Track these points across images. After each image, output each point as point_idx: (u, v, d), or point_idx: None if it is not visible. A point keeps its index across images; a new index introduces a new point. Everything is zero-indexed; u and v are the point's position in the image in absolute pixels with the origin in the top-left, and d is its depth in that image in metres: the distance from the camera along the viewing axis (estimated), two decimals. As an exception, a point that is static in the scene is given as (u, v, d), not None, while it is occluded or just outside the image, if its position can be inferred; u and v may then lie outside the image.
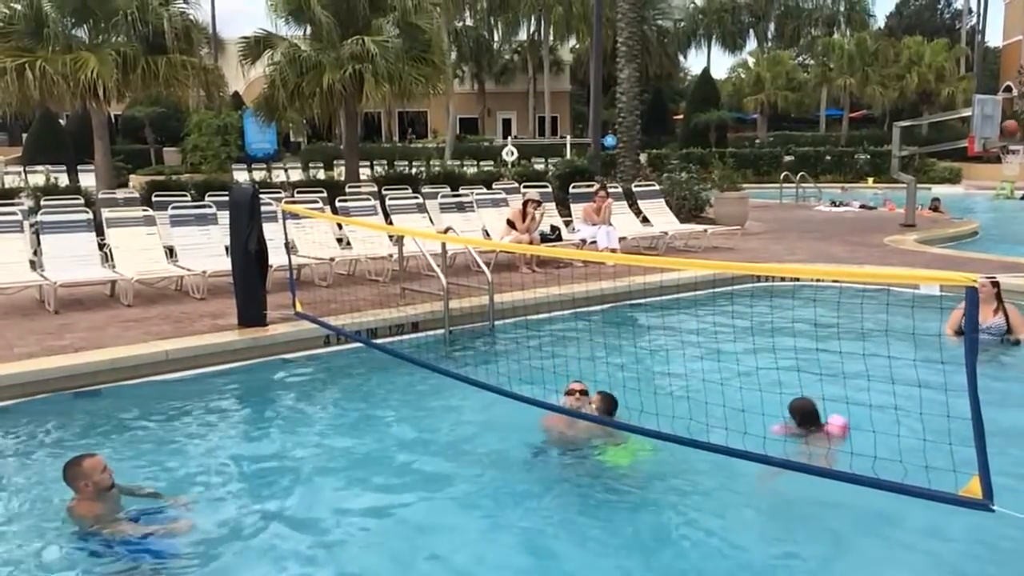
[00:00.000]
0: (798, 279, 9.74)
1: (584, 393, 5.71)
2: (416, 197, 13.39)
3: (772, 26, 54.45)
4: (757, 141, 42.72)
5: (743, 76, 48.33)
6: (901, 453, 3.84)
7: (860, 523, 4.43)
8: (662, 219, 14.44)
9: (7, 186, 17.69)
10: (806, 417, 5.33)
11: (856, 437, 4.00)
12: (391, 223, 12.26)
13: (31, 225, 10.57)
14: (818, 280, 9.22)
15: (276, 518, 4.68)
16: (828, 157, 32.86)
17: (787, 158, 31.75)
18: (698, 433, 4.17)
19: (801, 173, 26.02)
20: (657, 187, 15.63)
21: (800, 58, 53.78)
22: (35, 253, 10.25)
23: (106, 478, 4.41)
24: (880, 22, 56.53)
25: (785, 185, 24.93)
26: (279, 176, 24.26)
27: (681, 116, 46.48)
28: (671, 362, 5.83)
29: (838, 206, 21.72)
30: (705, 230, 14.14)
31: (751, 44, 54.16)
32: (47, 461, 5.39)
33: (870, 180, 29.77)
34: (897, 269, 11.08)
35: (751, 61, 49.54)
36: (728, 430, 4.14)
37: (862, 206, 21.70)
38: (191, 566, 4.16)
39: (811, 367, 5.08)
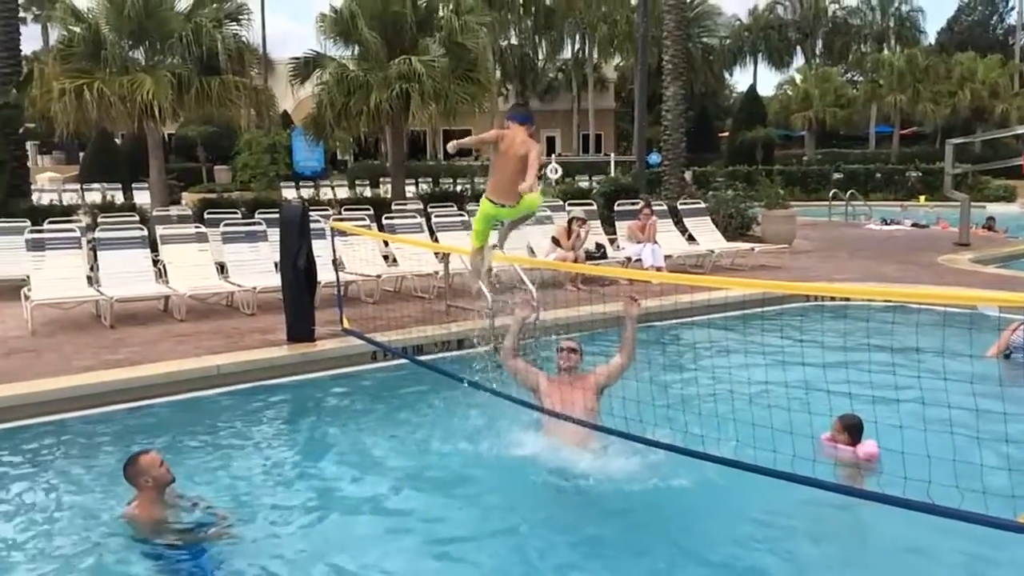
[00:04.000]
0: (849, 299, 9.59)
1: (573, 352, 5.74)
2: (461, 214, 13.47)
3: (820, 42, 53.98)
4: (805, 158, 42.24)
5: (790, 93, 47.87)
6: (956, 478, 3.75)
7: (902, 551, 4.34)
8: (708, 237, 14.34)
9: (65, 204, 18.17)
10: (854, 432, 5.25)
11: (908, 461, 3.93)
12: (437, 240, 12.35)
13: (88, 242, 10.87)
14: (869, 300, 9.06)
15: (320, 532, 4.73)
16: (878, 175, 32.37)
17: (836, 176, 31.33)
18: (745, 454, 4.12)
19: (851, 191, 25.66)
20: (703, 205, 15.54)
21: (849, 74, 53.21)
22: (92, 269, 10.53)
23: (165, 473, 4.50)
24: (931, 38, 55.72)
25: (834, 203, 24.59)
26: (326, 194, 24.67)
27: (727, 133, 46.22)
28: (718, 381, 5.76)
29: (889, 224, 21.36)
30: (752, 248, 14.01)
31: (798, 61, 53.75)
32: (102, 473, 5.51)
33: (922, 198, 29.23)
34: (952, 289, 10.83)
35: (798, 78, 49.05)
36: (776, 452, 4.08)
37: (914, 224, 21.31)
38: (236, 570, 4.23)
39: (863, 388, 5.00)
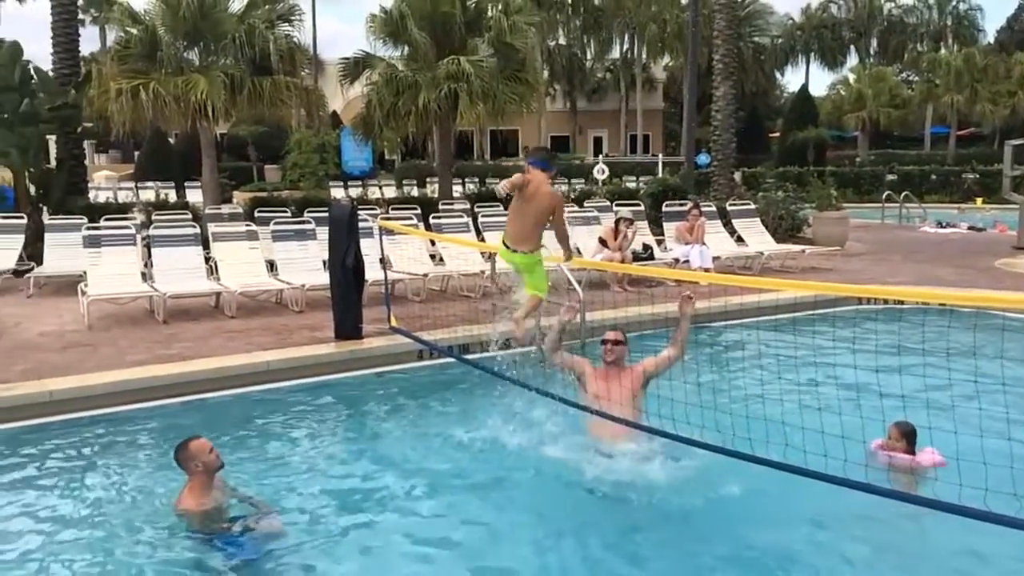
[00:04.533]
0: (902, 302, 9.39)
1: (618, 344, 5.67)
2: (508, 214, 13.46)
3: (874, 41, 52.98)
4: (857, 159, 41.47)
5: (843, 93, 47.06)
6: (1014, 485, 3.63)
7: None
8: (757, 239, 14.14)
9: (120, 201, 18.60)
10: (912, 439, 5.13)
11: (965, 468, 3.82)
12: (483, 240, 12.37)
13: (143, 239, 11.11)
14: (924, 303, 8.86)
15: (362, 529, 4.76)
16: (934, 176, 31.65)
17: (889, 177, 30.70)
18: (795, 458, 4.05)
19: (905, 193, 25.11)
20: (752, 206, 15.34)
21: (904, 74, 52.11)
22: (146, 265, 10.75)
23: (214, 459, 4.59)
24: (990, 37, 54.24)
25: (888, 205, 24.10)
26: (374, 193, 24.84)
27: (777, 134, 45.57)
28: (767, 384, 5.68)
29: (944, 227, 20.87)
30: (803, 250, 13.80)
31: (852, 60, 52.81)
32: (153, 464, 5.63)
33: (979, 201, 28.51)
34: (1010, 293, 10.55)
35: (852, 77, 48.18)
36: (828, 457, 4.01)
37: (971, 228, 20.78)
38: (282, 568, 4.29)
39: (917, 392, 4.89)
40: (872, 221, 22.64)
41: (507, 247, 5.41)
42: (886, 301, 9.79)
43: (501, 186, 5.37)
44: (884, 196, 24.91)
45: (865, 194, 30.16)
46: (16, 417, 6.35)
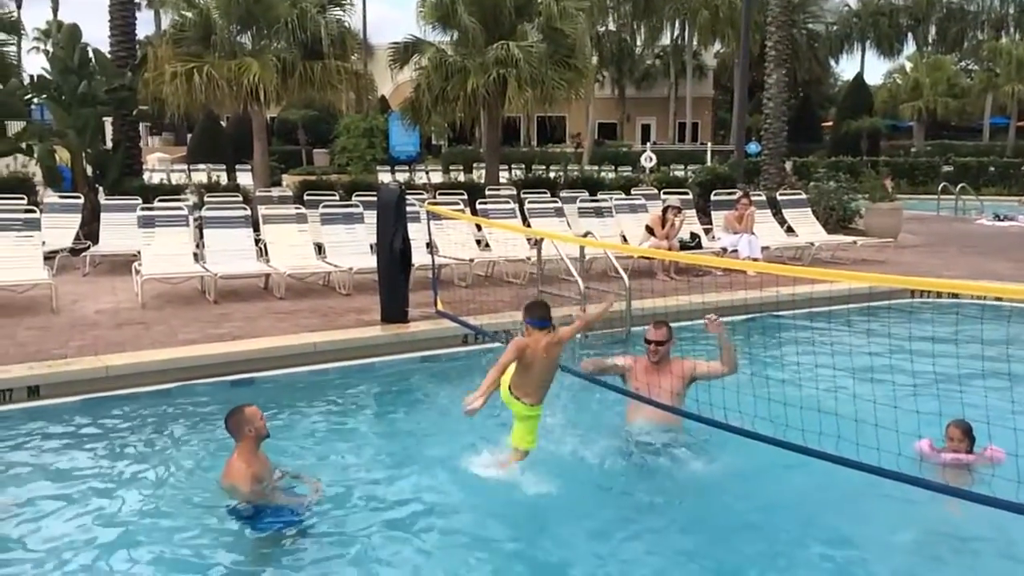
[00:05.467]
0: (957, 295, 9.17)
1: (661, 344, 5.63)
2: (554, 201, 13.45)
3: (933, 29, 51.60)
4: (913, 150, 40.54)
5: (899, 82, 45.96)
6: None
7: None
8: (807, 229, 13.92)
9: (174, 183, 18.92)
10: (971, 437, 5.00)
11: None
12: (529, 227, 12.36)
13: (195, 220, 11.29)
14: (980, 297, 8.65)
15: (405, 508, 4.81)
16: (992, 168, 30.79)
17: (946, 168, 29.97)
18: (848, 450, 3.98)
19: (961, 184, 24.50)
20: (803, 196, 15.09)
21: (963, 63, 50.70)
22: (198, 246, 10.93)
23: (263, 427, 4.70)
24: (1054, 24, 52.49)
25: (943, 197, 23.52)
26: (421, 178, 24.94)
27: (830, 123, 44.75)
28: (819, 377, 5.59)
29: (1002, 220, 20.31)
30: (854, 241, 13.56)
31: (909, 48, 51.51)
32: (203, 440, 5.75)
33: (1039, 193, 27.70)
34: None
35: (909, 66, 47.01)
36: (880, 450, 3.93)
37: (1030, 221, 20.23)
38: (323, 539, 4.40)
39: (975, 387, 4.77)
40: (927, 213, 22.14)
41: (510, 391, 4.99)
42: (939, 294, 9.57)
43: (476, 399, 4.64)
44: (940, 188, 24.32)
45: (920, 185, 29.49)
46: (74, 391, 6.52)
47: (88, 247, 11.85)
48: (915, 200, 23.78)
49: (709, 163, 24.73)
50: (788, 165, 22.87)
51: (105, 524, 4.59)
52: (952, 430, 4.99)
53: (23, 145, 14.07)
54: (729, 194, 13.96)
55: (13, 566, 4.19)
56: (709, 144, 35.24)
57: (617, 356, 6.01)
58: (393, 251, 8.34)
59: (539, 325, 4.87)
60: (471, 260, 10.87)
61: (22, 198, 12.51)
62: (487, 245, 11.97)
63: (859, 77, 45.47)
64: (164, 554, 4.31)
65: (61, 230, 12.23)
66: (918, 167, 32.08)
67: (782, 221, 14.13)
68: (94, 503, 4.85)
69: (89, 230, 12.59)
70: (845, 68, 68.75)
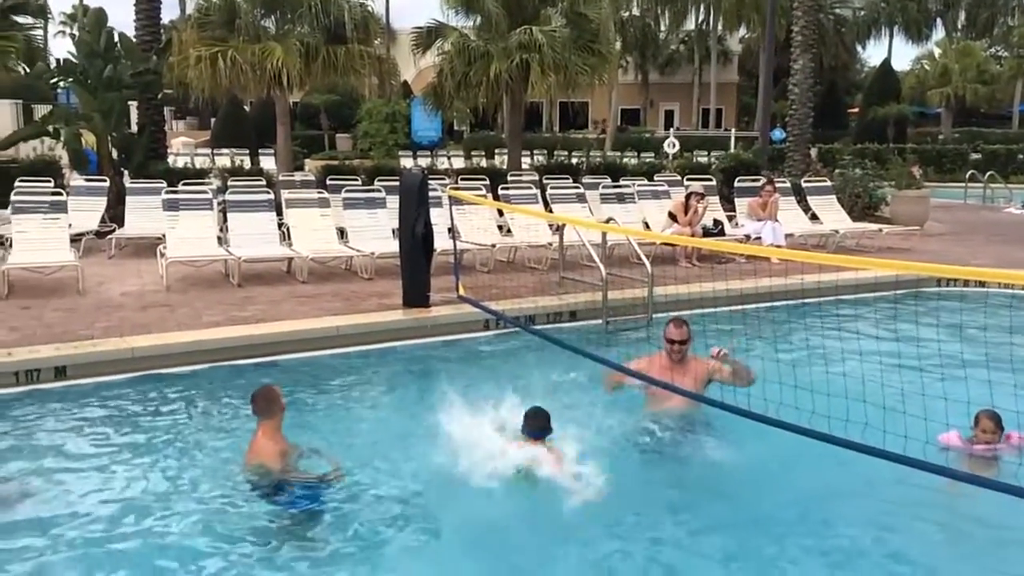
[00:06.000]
0: (984, 283, 9.06)
1: (683, 343, 5.65)
2: (577, 187, 13.39)
3: (962, 14, 50.75)
4: (940, 137, 39.97)
5: (927, 68, 45.24)
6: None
7: None
8: (832, 216, 13.78)
9: (198, 167, 19.04)
10: (1001, 426, 4.94)
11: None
12: (551, 213, 12.32)
13: (218, 204, 11.35)
14: (1007, 285, 8.53)
15: (427, 485, 4.84)
16: (1021, 156, 30.29)
17: (974, 156, 29.53)
18: (874, 438, 3.95)
19: (990, 172, 24.14)
20: (828, 183, 14.93)
21: (993, 49, 49.85)
22: (221, 230, 10.99)
23: (284, 405, 4.94)
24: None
25: (971, 185, 23.20)
26: (443, 163, 24.92)
27: (857, 110, 44.19)
28: (847, 364, 5.55)
29: (1031, 209, 20.00)
30: (880, 229, 13.41)
31: (938, 34, 50.68)
32: (226, 421, 5.81)
33: (1070, 182, 27.21)
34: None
35: (937, 52, 46.27)
36: (907, 438, 3.90)
37: (1060, 210, 19.89)
38: (344, 518, 4.45)
39: (1004, 376, 4.71)
40: (954, 201, 21.84)
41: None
42: (966, 283, 9.45)
43: None
44: (967, 175, 23.99)
45: (947, 173, 29.07)
46: (101, 372, 6.60)
47: (114, 230, 11.96)
48: (942, 188, 23.47)
49: (733, 149, 24.55)
50: (813, 152, 22.65)
51: (130, 502, 4.65)
52: (985, 421, 4.92)
53: (50, 128, 14.20)
54: (753, 181, 13.84)
55: (41, 539, 4.25)
56: (733, 130, 35.01)
57: (633, 362, 5.94)
58: (415, 236, 8.34)
59: (535, 436, 4.89)
60: (493, 245, 10.86)
61: (49, 181, 12.64)
62: (509, 231, 11.95)
63: (886, 63, 44.80)
64: (188, 532, 4.36)
65: (87, 213, 12.35)
66: (946, 154, 31.61)
67: (807, 208, 13.99)
68: (119, 481, 4.92)
69: (114, 213, 12.70)
70: (872, 54, 67.87)
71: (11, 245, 9.84)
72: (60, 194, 10.86)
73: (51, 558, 4.12)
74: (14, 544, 4.20)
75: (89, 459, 5.22)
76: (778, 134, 27.27)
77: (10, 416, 5.84)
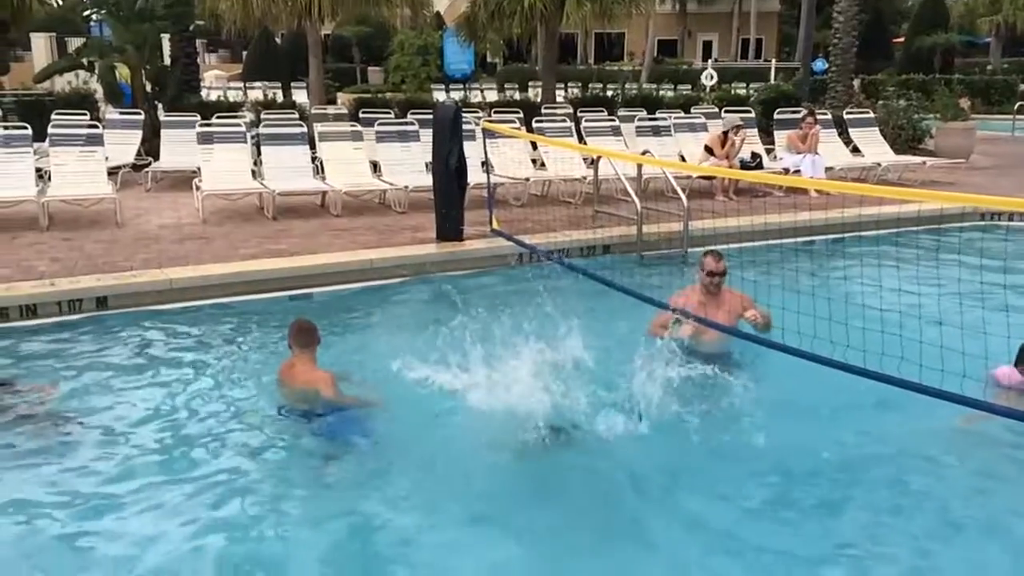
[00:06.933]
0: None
1: (723, 275, 5.59)
2: (612, 120, 13.18)
3: (1017, -63, 48.47)
4: (989, 67, 38.61)
5: (978, -5, 43.48)
6: None
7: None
8: (874, 149, 13.46)
9: (231, 100, 18.98)
10: None
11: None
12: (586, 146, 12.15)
13: (252, 137, 11.34)
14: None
15: (460, 414, 4.86)
16: (1073, 87, 29.26)
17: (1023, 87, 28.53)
18: (910, 372, 3.90)
19: (1040, 104, 23.34)
20: (871, 115, 14.54)
21: (1049, -26, 47.68)
22: (255, 163, 11.00)
23: (320, 337, 5.05)
24: None
25: (1019, 117, 22.46)
26: (476, 96, 24.61)
27: (902, 39, 42.74)
28: (884, 299, 5.46)
29: (1082, 142, 19.37)
30: (923, 162, 13.08)
31: (990, -42, 48.51)
32: (261, 351, 5.91)
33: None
34: None
35: (989, -23, 44.39)
36: (944, 371, 3.85)
37: (1112, 143, 19.23)
38: (380, 446, 4.54)
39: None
40: (1001, 134, 21.20)
41: None
42: (1011, 217, 9.23)
43: None
44: (1016, 107, 23.21)
45: (995, 105, 28.16)
46: (141, 302, 6.74)
47: (149, 163, 12.03)
48: (990, 120, 22.77)
49: (773, 81, 23.94)
50: (856, 83, 22.01)
51: (169, 429, 4.77)
52: None
53: (84, 61, 14.21)
54: (793, 113, 13.52)
55: (79, 462, 4.39)
56: (773, 61, 33.98)
57: (670, 299, 5.86)
58: (449, 169, 8.29)
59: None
60: (527, 179, 10.77)
61: (84, 114, 12.69)
62: (543, 164, 11.83)
63: (935, -10, 43.11)
64: (228, 457, 4.46)
65: (123, 146, 12.41)
66: (994, 85, 30.58)
67: (848, 141, 13.67)
68: (161, 408, 5.03)
69: (150, 146, 12.75)
70: (920, -20, 65.19)
71: (50, 178, 9.94)
72: (96, 127, 10.91)
73: (90, 479, 4.23)
74: (50, 468, 4.31)
75: (129, 386, 5.34)
76: (820, 65, 26.54)
77: (53, 345, 5.98)
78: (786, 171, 11.91)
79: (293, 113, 14.17)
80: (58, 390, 5.14)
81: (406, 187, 10.09)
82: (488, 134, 9.69)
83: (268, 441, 4.63)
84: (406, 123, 11.69)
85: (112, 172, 10.91)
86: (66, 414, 4.87)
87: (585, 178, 10.82)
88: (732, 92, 21.59)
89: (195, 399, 5.16)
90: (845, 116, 14.16)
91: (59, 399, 5.06)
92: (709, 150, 11.81)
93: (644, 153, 10.66)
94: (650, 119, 13.20)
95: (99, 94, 15.04)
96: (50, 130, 10.36)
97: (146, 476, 4.27)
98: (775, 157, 12.81)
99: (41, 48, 23.72)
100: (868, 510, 4.03)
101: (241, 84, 27.86)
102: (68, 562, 3.64)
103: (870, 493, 4.19)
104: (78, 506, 3.99)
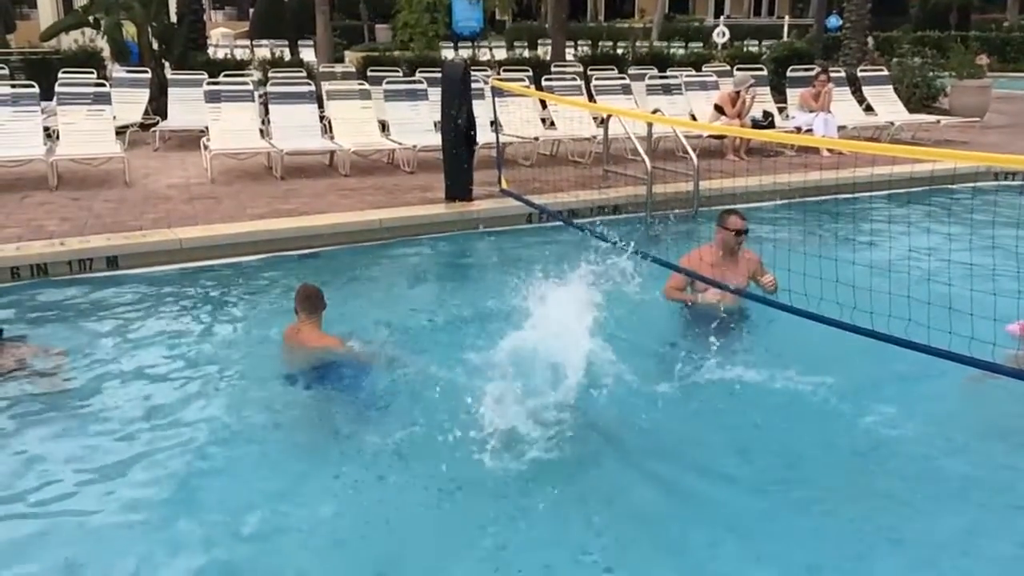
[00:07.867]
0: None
1: (747, 233, 5.51)
2: (622, 78, 13.04)
3: None
4: (1006, 24, 37.95)
5: (997, -52, 42.62)
6: None
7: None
8: (888, 108, 13.30)
9: (237, 59, 18.85)
10: None
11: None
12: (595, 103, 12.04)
13: (260, 96, 11.27)
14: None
15: (464, 366, 4.85)
16: (1092, 44, 28.77)
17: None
18: (917, 334, 3.89)
19: (1057, 62, 22.98)
20: (885, 73, 14.34)
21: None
22: (263, 122, 10.95)
23: (327, 303, 5.02)
24: None
25: (1036, 75, 22.15)
26: (484, 55, 24.35)
27: (917, -5, 41.98)
28: (894, 258, 5.44)
29: (1100, 100, 19.09)
30: (937, 121, 12.93)
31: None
32: (270, 310, 5.92)
33: None
34: None
35: (1008, -69, 43.43)
36: (952, 333, 3.84)
37: None
38: (388, 402, 4.58)
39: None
40: (1017, 92, 20.91)
41: None
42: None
43: None
44: (1033, 65, 22.87)
45: (1011, 62, 27.75)
46: (151, 262, 6.77)
47: (157, 122, 11.99)
48: (1006, 78, 22.44)
49: (786, 38, 23.60)
50: (870, 40, 21.68)
51: (180, 387, 4.80)
52: None
53: (90, 18, 14.10)
54: (806, 70, 13.34)
55: (90, 419, 4.42)
56: (786, 18, 33.48)
57: (683, 259, 5.83)
58: (458, 128, 8.24)
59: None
60: (536, 138, 10.70)
61: (91, 72, 12.64)
62: (552, 124, 11.74)
63: (953, -57, 42.24)
64: (238, 415, 4.49)
65: (130, 105, 12.37)
66: (1011, 42, 30.10)
67: (861, 99, 13.50)
68: (170, 365, 5.06)
69: (157, 105, 12.71)
70: (938, -66, 63.83)
71: (58, 137, 9.93)
72: (103, 85, 10.86)
73: (100, 440, 4.26)
74: (58, 427, 4.36)
75: (139, 345, 5.36)
76: (834, 21, 26.17)
77: (64, 303, 6.02)
78: (798, 130, 11.80)
79: (301, 71, 14.07)
80: (67, 351, 5.17)
81: (415, 146, 10.04)
82: (497, 92, 9.61)
83: (276, 400, 4.65)
84: (415, 81, 11.59)
85: (120, 131, 10.88)
86: (74, 373, 4.91)
87: (595, 137, 10.74)
88: (744, 50, 21.32)
89: (204, 358, 5.20)
90: (859, 74, 13.98)
91: (68, 358, 5.10)
92: (720, 109, 11.69)
93: (655, 112, 10.57)
94: (661, 77, 13.06)
95: (106, 52, 14.94)
96: (57, 89, 10.32)
97: (152, 436, 4.30)
98: (787, 116, 12.67)
99: (47, 6, 23.55)
100: (896, 477, 4.04)
101: (248, 42, 27.64)
102: (71, 520, 3.65)
103: (895, 464, 4.19)
104: (85, 467, 4.01)
